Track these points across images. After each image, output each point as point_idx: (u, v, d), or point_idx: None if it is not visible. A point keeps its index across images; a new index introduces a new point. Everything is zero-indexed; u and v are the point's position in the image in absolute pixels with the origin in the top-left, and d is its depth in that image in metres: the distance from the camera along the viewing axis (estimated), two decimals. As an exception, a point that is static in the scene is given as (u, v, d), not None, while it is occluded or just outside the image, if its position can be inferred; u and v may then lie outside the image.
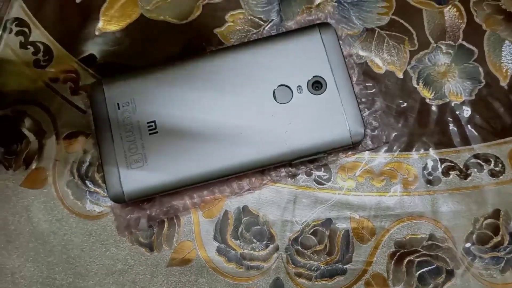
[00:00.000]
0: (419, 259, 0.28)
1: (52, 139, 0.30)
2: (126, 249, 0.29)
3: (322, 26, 0.30)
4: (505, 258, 0.28)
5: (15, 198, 0.29)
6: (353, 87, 0.29)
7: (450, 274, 0.28)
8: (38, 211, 0.29)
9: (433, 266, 0.28)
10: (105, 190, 0.29)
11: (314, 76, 0.29)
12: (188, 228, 0.29)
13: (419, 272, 0.28)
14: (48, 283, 0.28)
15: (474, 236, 0.28)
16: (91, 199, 0.29)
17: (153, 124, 0.28)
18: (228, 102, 0.29)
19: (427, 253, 0.28)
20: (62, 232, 0.29)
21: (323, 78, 0.29)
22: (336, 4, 0.32)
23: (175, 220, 0.29)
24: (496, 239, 0.28)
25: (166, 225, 0.29)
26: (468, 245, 0.28)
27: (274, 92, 0.29)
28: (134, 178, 0.27)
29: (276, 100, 0.29)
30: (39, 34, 0.32)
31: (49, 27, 0.32)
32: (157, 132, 0.28)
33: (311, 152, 0.28)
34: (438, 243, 0.28)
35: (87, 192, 0.30)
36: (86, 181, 0.30)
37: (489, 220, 0.28)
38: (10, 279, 0.28)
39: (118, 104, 0.29)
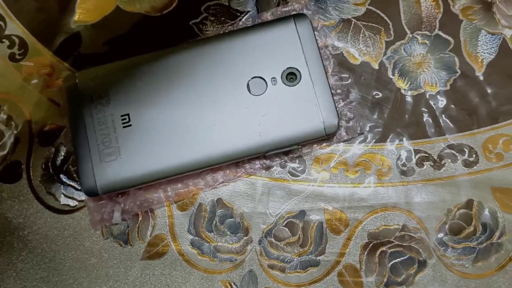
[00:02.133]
0: (391, 250, 0.28)
1: (26, 132, 0.30)
2: (100, 243, 0.29)
3: (297, 17, 0.30)
4: (477, 249, 0.28)
5: (-11, 193, 0.29)
6: (327, 79, 0.29)
7: (422, 264, 0.28)
8: (13, 206, 0.29)
9: (406, 257, 0.28)
10: (79, 184, 0.29)
11: (288, 68, 0.29)
12: (162, 221, 0.29)
13: (392, 262, 0.28)
14: (21, 277, 0.28)
15: (447, 226, 0.28)
16: (66, 193, 0.29)
17: (126, 117, 0.28)
18: (203, 94, 0.28)
19: (399, 243, 0.28)
20: (37, 226, 0.29)
21: (297, 70, 0.29)
22: (312, -6, 0.32)
23: (149, 213, 0.29)
24: (469, 229, 0.28)
25: (140, 218, 0.29)
26: (440, 235, 0.28)
27: (248, 84, 0.29)
28: (108, 172, 0.27)
29: (250, 92, 0.29)
30: (14, 27, 0.32)
31: (24, 20, 0.32)
32: (131, 125, 0.28)
33: (285, 144, 0.28)
34: (411, 234, 0.28)
35: (61, 186, 0.29)
36: (61, 175, 0.30)
37: (462, 211, 0.28)
38: (-16, 273, 0.29)
39: (92, 97, 0.28)
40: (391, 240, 0.28)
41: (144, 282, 0.28)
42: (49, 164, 0.30)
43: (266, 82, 0.29)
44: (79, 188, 0.29)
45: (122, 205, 0.29)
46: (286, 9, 0.31)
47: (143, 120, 0.28)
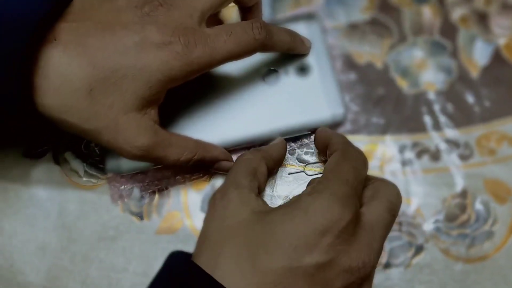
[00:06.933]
0: (391, 234, 0.30)
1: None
2: (118, 218, 0.31)
3: (309, 17, 0.33)
4: (471, 236, 0.30)
5: (16, 169, 0.31)
6: (335, 73, 0.31)
7: (419, 248, 0.30)
8: (37, 179, 0.31)
9: (404, 241, 0.30)
10: (102, 161, 0.31)
11: (300, 61, 0.31)
12: (177, 199, 0.31)
13: (390, 246, 0.30)
14: (42, 247, 0.30)
15: (443, 214, 0.30)
16: (88, 169, 0.31)
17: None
18: (223, 83, 0.31)
19: (398, 229, 0.30)
20: (59, 199, 0.31)
21: (308, 64, 0.31)
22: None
23: (165, 191, 0.31)
24: (463, 217, 0.30)
25: (156, 196, 0.31)
26: (437, 222, 0.30)
27: (264, 74, 0.31)
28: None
29: (265, 82, 0.31)
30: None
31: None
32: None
33: (296, 130, 0.31)
34: (409, 220, 0.30)
35: (85, 162, 0.31)
36: (84, 151, 0.32)
37: (457, 200, 0.31)
38: (7, 241, 0.30)
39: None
40: (391, 225, 0.30)
41: (158, 255, 0.30)
42: (74, 140, 0.32)
43: (279, 74, 0.31)
44: (102, 165, 0.31)
45: (141, 183, 0.31)
46: (300, 11, 0.34)
47: (167, 105, 0.30)
